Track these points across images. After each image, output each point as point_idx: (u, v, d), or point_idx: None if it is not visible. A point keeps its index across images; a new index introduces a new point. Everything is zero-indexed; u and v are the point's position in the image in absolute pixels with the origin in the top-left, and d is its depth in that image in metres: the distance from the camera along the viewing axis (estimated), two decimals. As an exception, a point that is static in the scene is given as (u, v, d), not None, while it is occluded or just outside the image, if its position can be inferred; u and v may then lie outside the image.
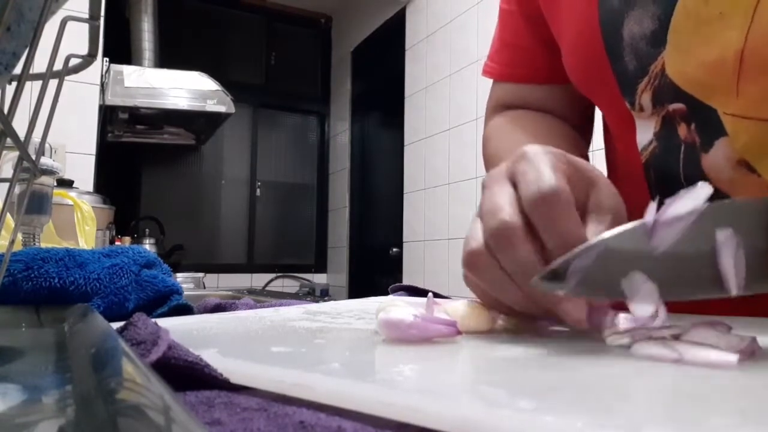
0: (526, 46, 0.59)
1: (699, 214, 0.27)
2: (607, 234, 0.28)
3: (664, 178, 0.46)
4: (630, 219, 0.53)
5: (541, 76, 0.60)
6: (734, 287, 0.27)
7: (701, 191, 0.27)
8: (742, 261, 0.27)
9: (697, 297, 0.28)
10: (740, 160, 0.40)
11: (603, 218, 0.32)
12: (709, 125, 0.41)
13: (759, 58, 0.38)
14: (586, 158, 0.60)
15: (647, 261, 0.28)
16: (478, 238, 0.33)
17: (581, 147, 0.59)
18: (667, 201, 0.28)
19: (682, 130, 0.43)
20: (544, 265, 0.30)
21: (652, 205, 0.28)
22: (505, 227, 0.31)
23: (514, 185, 0.33)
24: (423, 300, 0.36)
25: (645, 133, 0.46)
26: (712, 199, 0.27)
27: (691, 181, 0.43)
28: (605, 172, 0.58)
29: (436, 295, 0.53)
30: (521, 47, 0.60)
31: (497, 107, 0.64)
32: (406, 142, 3.01)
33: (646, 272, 0.28)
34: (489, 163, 0.61)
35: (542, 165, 0.32)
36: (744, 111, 0.39)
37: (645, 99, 0.45)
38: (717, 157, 0.41)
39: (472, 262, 0.33)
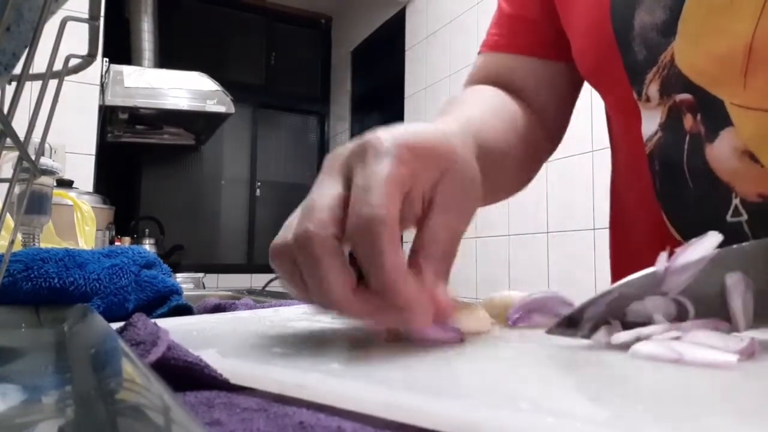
0: (530, 17, 0.58)
1: (708, 260, 0.28)
2: (620, 282, 0.30)
3: (668, 168, 0.46)
4: (632, 208, 0.52)
5: (539, 48, 0.58)
6: (743, 326, 0.29)
7: (711, 239, 0.28)
8: (751, 301, 0.29)
9: None
10: (744, 150, 0.40)
11: (438, 234, 0.31)
12: (716, 116, 0.42)
13: (767, 50, 0.38)
14: (536, 150, 0.57)
15: (657, 304, 0.30)
16: (288, 232, 0.30)
17: (537, 146, 0.57)
18: (678, 250, 0.29)
19: (688, 121, 0.44)
20: (348, 283, 0.28)
21: (663, 254, 0.29)
22: (308, 236, 0.28)
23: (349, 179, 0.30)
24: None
25: (650, 123, 0.46)
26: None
27: (694, 172, 0.44)
28: (608, 170, 0.59)
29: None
30: (524, 18, 0.59)
31: (481, 79, 0.61)
32: (406, 143, 3.01)
33: (656, 312, 0.30)
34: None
35: (377, 174, 0.28)
36: (751, 102, 0.40)
37: (652, 89, 0.45)
38: (721, 147, 0.42)
39: (275, 254, 0.30)
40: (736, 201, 0.42)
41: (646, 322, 0.30)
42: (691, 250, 0.29)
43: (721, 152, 0.42)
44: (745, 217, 0.41)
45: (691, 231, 0.35)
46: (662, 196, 0.47)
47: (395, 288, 0.27)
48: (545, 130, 0.58)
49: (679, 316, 0.30)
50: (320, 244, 0.28)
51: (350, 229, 0.28)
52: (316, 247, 0.28)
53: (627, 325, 0.30)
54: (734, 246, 0.29)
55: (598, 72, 0.52)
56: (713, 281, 0.29)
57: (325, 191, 0.30)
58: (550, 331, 0.31)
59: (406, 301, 0.27)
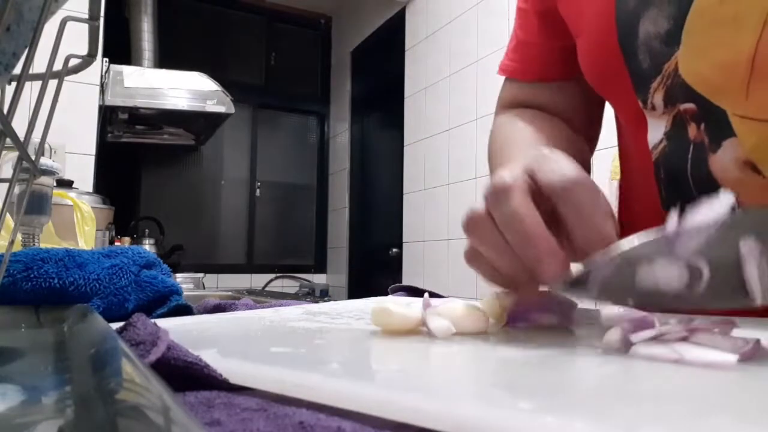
0: (537, 42, 0.60)
1: (721, 224, 0.26)
2: (627, 244, 0.28)
3: (672, 176, 0.46)
4: (640, 214, 0.53)
5: (551, 72, 0.60)
6: (759, 296, 0.27)
7: (723, 200, 0.27)
8: (767, 270, 0.27)
9: (719, 306, 0.29)
10: (746, 161, 0.41)
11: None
12: (718, 126, 0.42)
13: None
14: (588, 162, 0.60)
15: (668, 269, 0.28)
16: (479, 206, 0.33)
17: (584, 151, 0.60)
18: (690, 210, 0.27)
19: (692, 130, 0.44)
20: (540, 225, 0.31)
21: (673, 215, 0.28)
22: (503, 183, 0.32)
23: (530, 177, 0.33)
24: (420, 300, 0.36)
25: (656, 131, 0.47)
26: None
27: (698, 181, 0.44)
28: (617, 169, 0.59)
29: (435, 295, 0.53)
30: (533, 44, 0.61)
31: (510, 104, 0.65)
32: (405, 143, 3.01)
33: (667, 281, 0.28)
34: (493, 157, 0.61)
35: (564, 160, 0.32)
36: (753, 113, 0.40)
37: (657, 98, 0.45)
38: (724, 157, 0.42)
39: (470, 223, 0.33)
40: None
41: (658, 293, 0.29)
42: (704, 211, 0.27)
43: (724, 162, 0.42)
44: None
45: None
46: (667, 205, 0.47)
47: (606, 230, 0.31)
48: (582, 135, 0.61)
49: (691, 282, 0.28)
50: (514, 186, 0.31)
51: (554, 187, 0.31)
52: (511, 189, 0.31)
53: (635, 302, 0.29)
54: (749, 210, 0.27)
55: (605, 80, 0.52)
56: (727, 247, 0.27)
57: (506, 172, 0.33)
58: (558, 289, 0.31)
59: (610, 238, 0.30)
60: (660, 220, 0.47)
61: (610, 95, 0.53)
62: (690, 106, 0.43)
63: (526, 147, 0.52)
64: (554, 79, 0.61)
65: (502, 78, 0.66)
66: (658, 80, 0.45)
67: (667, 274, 0.28)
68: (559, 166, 0.32)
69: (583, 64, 0.53)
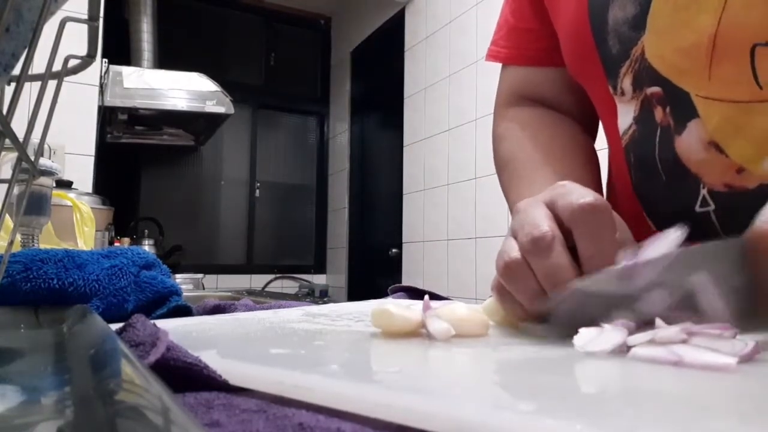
0: (533, 28, 0.60)
1: (673, 259, 0.29)
2: (586, 279, 0.31)
3: (641, 161, 0.47)
4: (618, 201, 0.55)
5: (548, 57, 0.60)
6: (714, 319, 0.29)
7: (674, 235, 0.30)
8: (721, 299, 0.29)
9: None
10: (710, 141, 0.41)
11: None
12: (683, 108, 0.43)
13: (730, 42, 0.39)
14: (596, 158, 0.60)
15: (625, 301, 0.30)
16: (514, 250, 0.34)
17: (593, 153, 0.60)
18: (643, 245, 0.30)
19: (658, 114, 0.45)
20: (576, 274, 0.32)
21: (622, 252, 0.31)
22: (543, 235, 0.33)
23: (551, 210, 0.35)
24: (420, 302, 0.36)
25: (625, 117, 0.48)
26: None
27: (666, 164, 0.45)
28: (604, 170, 0.59)
29: (436, 296, 0.53)
30: (528, 30, 0.61)
31: (510, 96, 0.65)
32: (405, 143, 3.01)
33: (626, 310, 0.30)
34: (501, 167, 0.61)
35: (582, 189, 0.34)
36: (715, 93, 0.41)
37: (626, 83, 0.46)
38: (689, 138, 0.42)
39: (509, 272, 0.34)
40: (703, 191, 0.43)
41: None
42: (656, 246, 0.29)
43: (689, 143, 0.43)
44: (712, 206, 0.42)
45: (664, 222, 0.36)
46: (638, 188, 0.48)
47: (610, 256, 0.32)
48: (585, 130, 0.60)
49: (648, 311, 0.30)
50: (554, 239, 0.33)
51: (569, 212, 0.33)
52: (552, 242, 0.33)
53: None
54: (697, 246, 0.29)
55: (581, 68, 0.53)
56: (679, 280, 0.29)
57: (535, 212, 0.35)
58: (522, 328, 0.33)
59: None
60: (633, 206, 0.48)
61: (586, 83, 0.54)
62: (656, 89, 0.44)
63: (542, 168, 0.54)
64: (552, 65, 0.60)
65: (502, 79, 0.66)
66: (626, 65, 0.46)
67: (624, 305, 0.30)
68: (578, 193, 0.34)
69: (563, 52, 0.54)
